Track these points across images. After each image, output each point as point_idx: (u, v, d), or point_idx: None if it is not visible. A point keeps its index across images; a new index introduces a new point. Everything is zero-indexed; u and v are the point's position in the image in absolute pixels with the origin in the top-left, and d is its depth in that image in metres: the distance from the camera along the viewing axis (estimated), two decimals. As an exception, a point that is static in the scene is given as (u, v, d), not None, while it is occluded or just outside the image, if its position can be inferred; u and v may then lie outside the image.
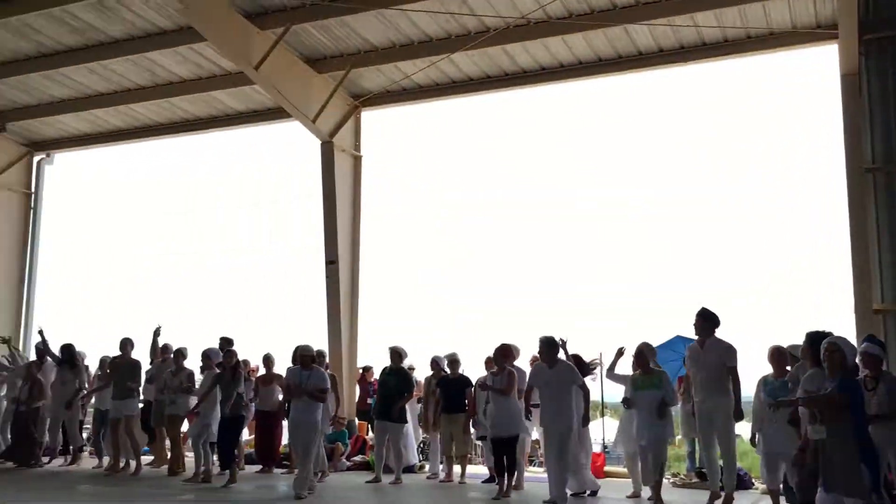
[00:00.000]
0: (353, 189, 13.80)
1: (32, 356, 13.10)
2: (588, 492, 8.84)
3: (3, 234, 15.84)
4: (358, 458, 11.95)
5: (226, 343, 10.71)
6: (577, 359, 8.98)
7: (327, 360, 11.72)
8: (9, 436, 12.08)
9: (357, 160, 13.94)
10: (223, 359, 9.88)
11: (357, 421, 12.75)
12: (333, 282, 13.22)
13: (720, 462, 7.94)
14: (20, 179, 16.38)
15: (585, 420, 8.27)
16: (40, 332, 12.23)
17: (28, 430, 11.66)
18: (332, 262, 13.25)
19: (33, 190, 16.58)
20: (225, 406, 9.60)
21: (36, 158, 16.66)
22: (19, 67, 13.55)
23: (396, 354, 10.35)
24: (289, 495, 8.52)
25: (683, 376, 9.37)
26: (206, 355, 10.37)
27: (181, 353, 10.79)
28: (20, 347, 14.82)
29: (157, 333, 11.70)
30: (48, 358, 11.98)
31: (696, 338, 7.94)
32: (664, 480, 8.23)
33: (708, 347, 7.74)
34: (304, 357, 8.87)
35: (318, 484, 9.42)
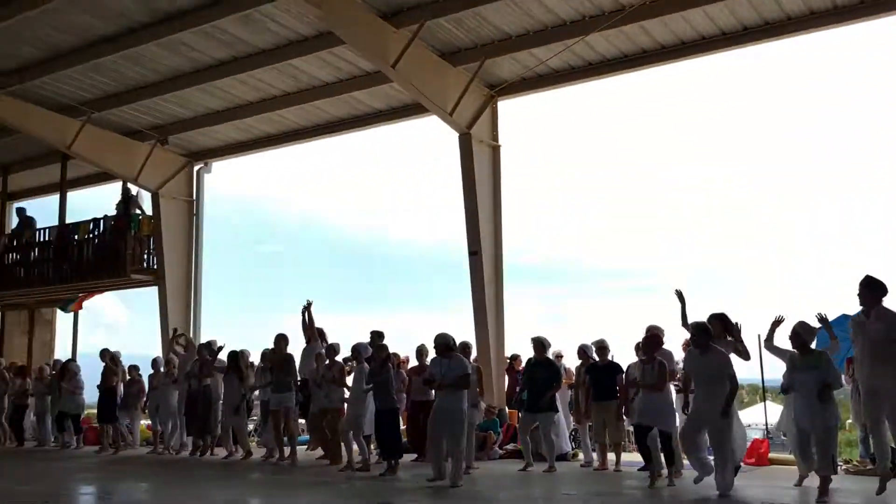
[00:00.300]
0: (492, 179, 13.84)
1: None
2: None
3: (173, 240, 16.99)
4: (510, 447, 12.01)
5: (377, 336, 11.00)
6: (722, 318, 8.44)
7: (474, 352, 11.88)
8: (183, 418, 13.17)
9: (495, 150, 13.96)
10: (375, 352, 10.17)
11: (507, 409, 12.82)
12: (477, 272, 13.33)
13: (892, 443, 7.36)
14: (182, 188, 17.50)
15: (724, 411, 7.73)
16: (209, 344, 13.05)
17: (203, 411, 12.59)
18: (474, 252, 13.36)
19: (194, 197, 17.68)
20: (377, 399, 9.84)
21: (195, 168, 17.76)
22: (177, 83, 14.48)
23: (540, 345, 10.29)
24: (445, 484, 8.67)
25: (851, 357, 8.78)
26: (356, 349, 10.66)
27: (333, 349, 11.19)
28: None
29: (307, 308, 11.97)
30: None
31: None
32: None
33: (874, 317, 7.21)
34: (438, 346, 8.95)
35: (468, 473, 9.55)
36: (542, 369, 10.25)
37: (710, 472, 7.70)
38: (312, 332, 11.98)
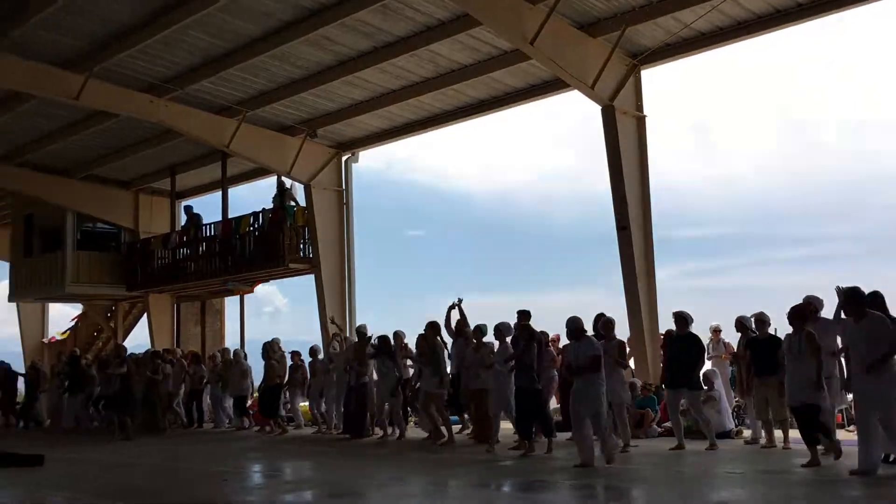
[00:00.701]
0: (638, 151, 13.45)
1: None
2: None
3: (326, 228, 17.67)
4: (668, 425, 11.67)
5: (522, 316, 10.98)
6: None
7: (622, 328, 11.63)
8: (341, 409, 13.63)
9: (640, 121, 13.55)
10: (517, 332, 10.15)
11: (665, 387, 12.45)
12: (626, 247, 13.02)
13: None
14: (332, 179, 18.13)
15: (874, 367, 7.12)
16: (361, 329, 13.43)
17: (361, 403, 12.96)
18: (623, 227, 13.05)
19: (344, 187, 18.28)
20: (517, 379, 9.78)
21: (343, 158, 18.35)
22: (322, 77, 14.98)
23: (682, 319, 9.93)
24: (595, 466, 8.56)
25: None
26: (498, 329, 10.69)
27: (480, 330, 11.27)
28: (346, 332, 16.35)
29: (456, 305, 11.97)
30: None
31: None
32: None
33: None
34: (569, 330, 8.87)
35: (626, 451, 9.39)
36: (683, 344, 9.89)
37: None
38: (462, 327, 11.86)
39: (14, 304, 24.17)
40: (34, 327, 25.32)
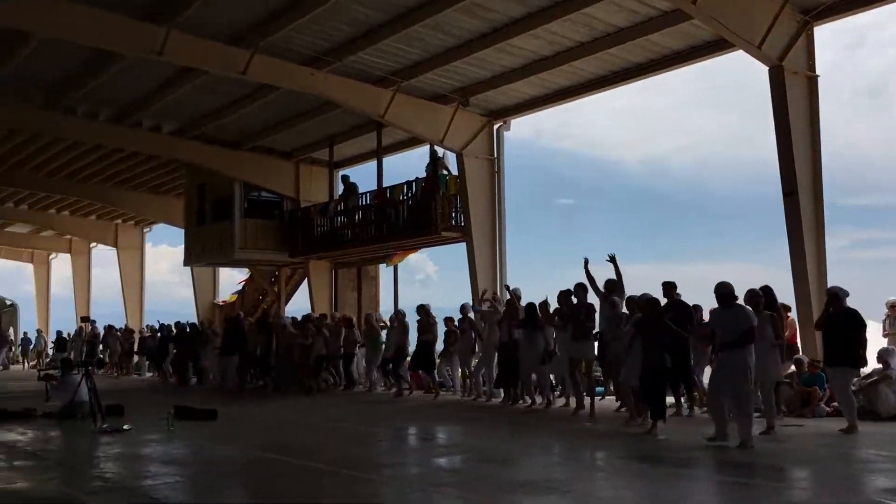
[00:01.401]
0: (808, 113, 12.56)
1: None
2: None
3: (477, 197, 17.73)
4: (837, 404, 10.97)
5: (668, 288, 10.64)
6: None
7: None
8: (493, 372, 13.79)
9: (812, 81, 12.64)
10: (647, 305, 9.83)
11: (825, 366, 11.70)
12: (794, 214, 12.26)
13: None
14: (484, 147, 18.14)
15: None
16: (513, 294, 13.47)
17: (513, 358, 13.01)
18: (790, 193, 12.28)
19: (495, 155, 18.26)
20: (644, 354, 9.44)
21: (495, 126, 18.30)
22: (475, 45, 14.94)
23: (834, 296, 9.28)
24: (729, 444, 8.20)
25: None
26: (632, 300, 10.45)
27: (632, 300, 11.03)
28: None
29: (585, 265, 11.75)
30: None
31: None
32: None
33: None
34: (720, 296, 8.37)
35: (768, 433, 8.90)
36: (840, 321, 9.19)
37: None
38: (595, 289, 11.72)
39: (188, 269, 26.02)
40: (206, 290, 27.18)
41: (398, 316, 16.32)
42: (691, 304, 11.02)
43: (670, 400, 11.46)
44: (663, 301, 10.91)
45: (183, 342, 20.80)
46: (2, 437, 10.39)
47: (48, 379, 14.44)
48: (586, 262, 11.67)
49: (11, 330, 35.54)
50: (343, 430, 10.67)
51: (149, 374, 23.75)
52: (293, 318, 18.45)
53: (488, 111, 18.05)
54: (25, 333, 34.96)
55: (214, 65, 15.50)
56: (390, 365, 15.79)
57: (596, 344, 11.67)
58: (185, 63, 15.68)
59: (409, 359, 15.71)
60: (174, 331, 21.51)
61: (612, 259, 11.33)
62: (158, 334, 22.66)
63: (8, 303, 38.00)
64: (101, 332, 26.13)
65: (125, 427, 10.72)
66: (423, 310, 15.39)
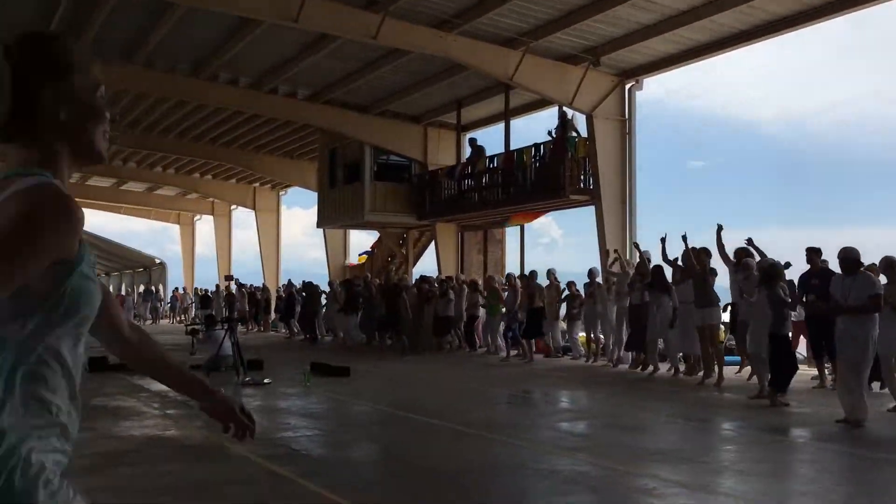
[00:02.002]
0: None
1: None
2: None
3: (607, 160, 17.31)
4: None
5: (813, 254, 10.14)
6: None
7: None
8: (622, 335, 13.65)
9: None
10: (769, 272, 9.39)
11: None
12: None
13: None
14: (614, 108, 17.66)
15: None
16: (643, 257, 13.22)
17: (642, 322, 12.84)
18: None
19: (626, 116, 17.75)
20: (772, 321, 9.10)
21: (627, 86, 17.76)
22: (607, 2, 14.45)
23: None
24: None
25: None
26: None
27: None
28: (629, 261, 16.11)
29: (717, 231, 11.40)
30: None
31: None
32: None
33: None
34: (844, 261, 7.88)
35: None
36: None
37: None
38: (724, 256, 11.46)
39: (321, 230, 26.89)
40: (337, 251, 28.03)
41: (509, 280, 16.37)
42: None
43: (813, 372, 10.99)
44: (806, 268, 10.45)
45: (308, 301, 21.67)
46: (156, 386, 11.14)
47: (194, 333, 15.36)
48: (720, 228, 11.36)
49: (161, 286, 38.00)
50: (469, 392, 10.80)
51: (283, 331, 24.85)
52: (417, 280, 18.83)
53: (620, 70, 17.51)
54: (175, 289, 37.33)
55: (347, 30, 15.75)
56: (509, 329, 15.85)
57: (726, 314, 11.34)
58: (319, 29, 16.01)
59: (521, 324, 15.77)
60: (300, 289, 22.57)
61: (719, 230, 11.27)
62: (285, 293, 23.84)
63: (157, 261, 40.60)
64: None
65: (265, 381, 11.27)
66: (532, 275, 15.48)
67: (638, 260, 13.52)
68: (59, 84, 1.49)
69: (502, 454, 6.59)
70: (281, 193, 32.87)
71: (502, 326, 16.28)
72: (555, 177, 17.75)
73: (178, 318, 34.46)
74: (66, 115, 1.50)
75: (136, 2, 15.35)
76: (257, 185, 32.17)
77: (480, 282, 17.53)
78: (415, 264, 25.21)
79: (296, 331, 22.53)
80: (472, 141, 21.28)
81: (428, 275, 19.70)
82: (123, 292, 39.90)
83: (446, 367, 14.21)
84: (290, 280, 24.55)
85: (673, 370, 12.35)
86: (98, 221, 41.54)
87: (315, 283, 22.57)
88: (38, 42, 1.50)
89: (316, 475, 5.74)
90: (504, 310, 15.94)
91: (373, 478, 6.05)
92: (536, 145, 18.54)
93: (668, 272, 12.41)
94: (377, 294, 18.57)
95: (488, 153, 20.44)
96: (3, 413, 1.38)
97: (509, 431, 7.68)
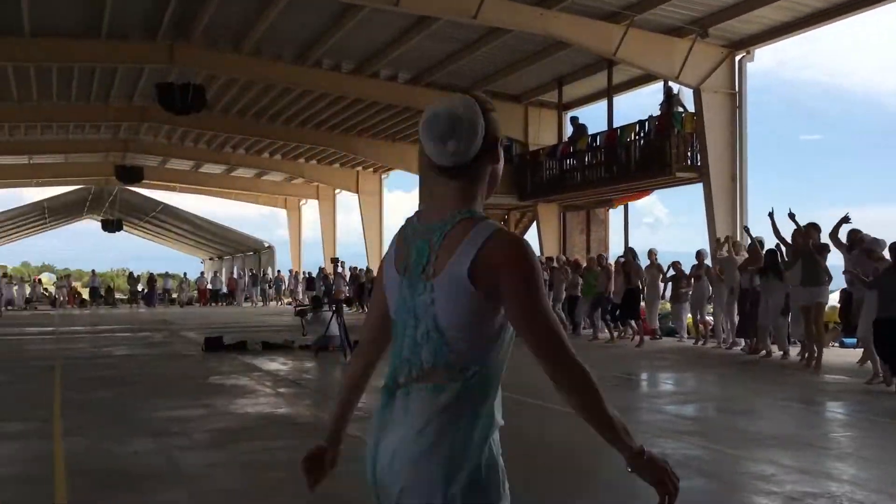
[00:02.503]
0: None
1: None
2: None
3: (716, 135, 16.70)
4: None
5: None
6: None
7: None
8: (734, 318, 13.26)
9: None
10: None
11: None
12: None
13: None
14: (724, 81, 16.99)
15: None
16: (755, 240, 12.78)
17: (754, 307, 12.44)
18: None
19: (736, 89, 17.05)
20: (879, 305, 8.69)
21: (737, 58, 17.06)
22: (716, -29, 13.92)
23: None
24: None
25: None
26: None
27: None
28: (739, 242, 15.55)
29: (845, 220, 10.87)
30: None
31: None
32: None
33: None
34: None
35: None
36: None
37: None
38: (780, 239, 11.35)
39: (423, 213, 27.11)
40: (441, 234, 28.19)
41: (599, 261, 16.18)
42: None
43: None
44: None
45: None
46: (268, 366, 11.54)
47: (302, 315, 15.78)
48: (771, 213, 11.41)
49: (270, 269, 39.29)
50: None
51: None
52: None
53: (729, 42, 16.83)
54: (278, 272, 38.54)
55: (447, 11, 15.74)
56: (605, 310, 15.61)
57: (833, 296, 10.90)
58: (419, 11, 16.06)
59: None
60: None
61: (792, 216, 11.11)
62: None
63: (266, 245, 41.97)
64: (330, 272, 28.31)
65: (372, 361, 11.46)
66: (629, 254, 15.27)
67: (749, 243, 13.03)
68: (499, 137, 1.85)
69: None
70: (383, 177, 33.33)
71: (587, 307, 16.18)
72: (660, 154, 17.28)
73: (286, 300, 35.56)
74: (500, 162, 1.87)
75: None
76: (360, 168, 32.71)
77: (584, 263, 17.32)
78: (516, 245, 25.09)
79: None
80: (574, 119, 20.96)
81: (549, 256, 19.58)
82: (235, 275, 41.44)
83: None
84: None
85: (783, 354, 11.89)
86: (210, 207, 43.31)
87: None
88: (490, 105, 1.84)
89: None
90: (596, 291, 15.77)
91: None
92: (641, 122, 18.09)
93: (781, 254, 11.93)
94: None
95: (590, 131, 20.09)
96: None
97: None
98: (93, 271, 40.73)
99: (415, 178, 26.01)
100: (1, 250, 48.20)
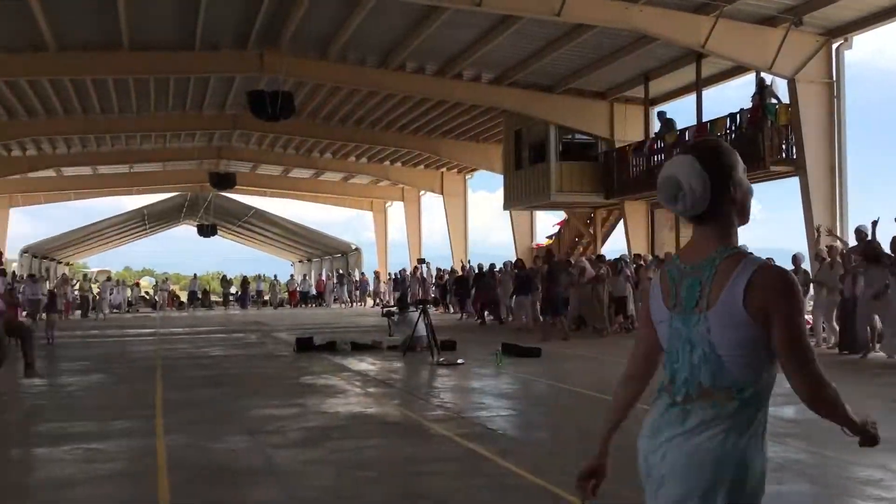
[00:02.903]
0: None
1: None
2: None
3: (813, 126, 16.05)
4: None
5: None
6: None
7: None
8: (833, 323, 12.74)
9: None
10: None
11: None
12: None
13: None
14: (820, 70, 16.32)
15: None
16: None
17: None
18: None
19: (834, 79, 16.36)
20: None
21: (834, 46, 16.36)
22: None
23: None
24: None
25: None
26: None
27: None
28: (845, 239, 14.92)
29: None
30: None
31: None
32: None
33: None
34: None
35: None
36: None
37: None
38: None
39: (506, 213, 27.04)
40: (524, 233, 28.10)
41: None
42: None
43: None
44: None
45: (482, 283, 22.00)
46: (357, 366, 11.71)
47: (389, 315, 15.95)
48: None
49: (356, 271, 39.89)
50: (658, 373, 10.46)
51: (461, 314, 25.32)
52: (589, 258, 18.49)
53: (826, 29, 16.15)
54: (362, 274, 39.07)
55: (530, 9, 15.64)
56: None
57: None
58: (502, 10, 16.01)
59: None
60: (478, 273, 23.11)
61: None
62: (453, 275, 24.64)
63: (353, 247, 42.63)
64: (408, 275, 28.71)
65: (459, 361, 11.50)
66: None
67: (856, 243, 12.46)
68: (733, 176, 2.07)
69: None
70: (467, 177, 33.38)
71: None
72: (753, 147, 16.70)
73: (373, 302, 36.03)
74: (741, 196, 2.09)
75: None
76: (444, 170, 32.86)
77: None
78: (603, 244, 24.77)
79: (470, 312, 23.11)
80: (661, 114, 20.49)
81: (600, 254, 19.31)
82: (324, 277, 42.24)
83: (620, 347, 13.81)
84: (463, 262, 25.09)
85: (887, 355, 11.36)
86: (298, 210, 44.23)
87: (492, 264, 23.12)
88: (716, 151, 2.08)
89: (512, 454, 5.77)
90: None
91: (572, 462, 5.98)
92: (732, 115, 17.54)
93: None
94: (543, 274, 18.38)
95: (679, 126, 19.62)
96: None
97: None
98: (194, 275, 42.24)
99: (499, 179, 25.95)
100: (105, 256, 50.53)
